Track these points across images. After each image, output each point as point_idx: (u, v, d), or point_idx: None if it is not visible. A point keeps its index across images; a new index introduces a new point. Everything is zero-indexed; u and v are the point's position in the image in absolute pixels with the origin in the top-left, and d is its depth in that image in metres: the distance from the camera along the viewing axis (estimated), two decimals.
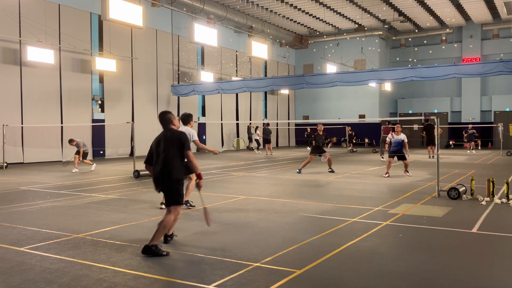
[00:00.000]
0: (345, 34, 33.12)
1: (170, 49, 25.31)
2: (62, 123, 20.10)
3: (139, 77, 23.83)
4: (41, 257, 5.16)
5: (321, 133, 14.37)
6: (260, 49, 21.88)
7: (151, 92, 24.61)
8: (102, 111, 22.10)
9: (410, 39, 33.43)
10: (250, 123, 29.16)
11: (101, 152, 21.56)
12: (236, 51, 29.73)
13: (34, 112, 19.14)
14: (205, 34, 19.52)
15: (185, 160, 5.62)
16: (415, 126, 29.66)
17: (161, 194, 8.52)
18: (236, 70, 29.80)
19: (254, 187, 11.37)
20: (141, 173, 13.28)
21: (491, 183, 8.88)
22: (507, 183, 8.69)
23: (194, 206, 8.28)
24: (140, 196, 9.86)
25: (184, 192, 7.66)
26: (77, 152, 15.57)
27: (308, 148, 28.98)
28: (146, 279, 4.41)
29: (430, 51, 32.62)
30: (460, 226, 6.63)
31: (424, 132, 21.13)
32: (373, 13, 29.53)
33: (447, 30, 32.49)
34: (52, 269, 4.74)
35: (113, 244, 5.70)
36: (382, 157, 19.83)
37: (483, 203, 8.47)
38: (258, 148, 27.14)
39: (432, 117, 13.02)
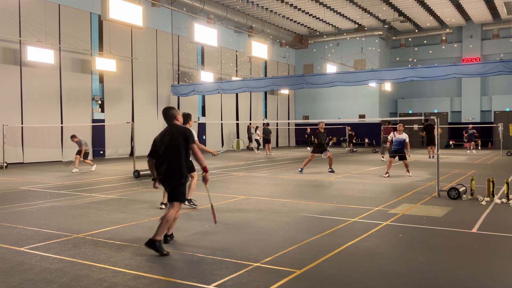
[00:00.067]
0: (345, 34, 33.12)
1: (170, 49, 25.31)
2: (62, 123, 20.10)
3: (139, 77, 23.83)
4: (41, 257, 5.16)
5: (322, 130, 14.35)
6: (260, 49, 21.88)
7: (151, 92, 24.62)
8: (102, 111, 22.10)
9: (410, 39, 33.44)
10: (250, 124, 29.16)
11: (101, 152, 21.56)
12: (236, 51, 29.74)
13: (34, 112, 19.15)
14: (205, 34, 19.52)
15: (190, 155, 5.66)
16: (415, 126, 29.66)
17: (161, 194, 8.60)
18: (236, 70, 29.80)
19: (254, 187, 11.37)
20: (141, 173, 13.28)
21: (491, 183, 8.88)
22: (507, 183, 8.69)
23: (197, 206, 8.28)
24: (140, 196, 9.86)
25: (187, 190, 7.75)
26: (78, 152, 15.59)
27: (309, 148, 29.03)
28: (146, 279, 4.41)
29: (430, 51, 32.63)
30: (460, 226, 6.63)
31: (424, 132, 21.13)
32: (373, 13, 29.53)
33: (447, 30, 32.49)
34: (52, 269, 4.74)
35: (113, 244, 5.70)
36: (383, 157, 19.84)
37: (483, 203, 8.47)
38: (258, 148, 27.14)
39: (432, 117, 13.01)
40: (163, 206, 8.19)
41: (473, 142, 25.43)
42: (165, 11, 24.31)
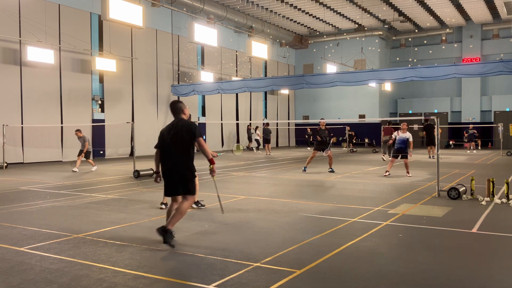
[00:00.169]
0: (345, 34, 33.13)
1: (170, 49, 25.31)
2: (62, 123, 20.10)
3: (139, 77, 23.83)
4: (41, 257, 5.16)
5: (323, 128, 14.33)
6: (260, 49, 21.88)
7: (151, 92, 24.62)
8: (102, 111, 22.10)
9: (410, 39, 33.44)
10: (250, 124, 29.16)
11: (101, 152, 21.57)
12: (236, 51, 29.74)
13: (34, 112, 19.15)
14: (205, 34, 19.52)
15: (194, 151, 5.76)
16: (415, 126, 29.67)
17: (161, 194, 8.59)
18: (236, 70, 29.80)
19: (254, 187, 11.37)
20: (141, 173, 13.29)
21: (491, 183, 8.88)
22: (507, 183, 8.69)
23: (205, 205, 8.30)
24: (140, 196, 9.86)
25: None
26: (80, 153, 15.64)
27: (309, 148, 29.04)
28: (146, 279, 4.41)
29: (430, 51, 32.63)
30: (460, 226, 6.63)
31: (424, 132, 21.12)
32: (373, 13, 29.53)
33: (447, 30, 32.49)
34: (52, 269, 4.74)
35: (113, 244, 5.70)
36: (384, 156, 19.88)
37: (483, 203, 8.47)
38: (258, 148, 27.14)
39: (432, 117, 13.03)
40: (163, 206, 8.19)
41: (473, 142, 25.44)
42: (165, 11, 24.31)
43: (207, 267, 4.79)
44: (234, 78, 28.21)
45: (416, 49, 32.65)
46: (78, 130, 15.90)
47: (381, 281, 4.36)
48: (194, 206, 8.26)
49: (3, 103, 18.15)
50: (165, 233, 5.47)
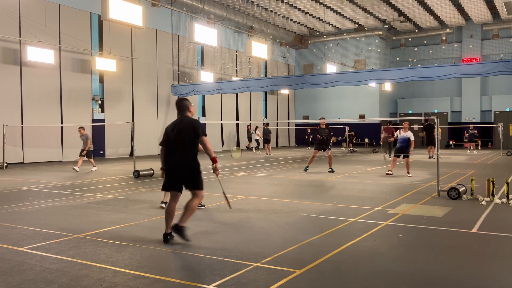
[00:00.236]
0: (345, 34, 33.13)
1: (170, 49, 25.31)
2: (62, 123, 20.09)
3: (139, 77, 23.83)
4: (41, 257, 5.16)
5: (323, 127, 14.33)
6: (260, 49, 21.88)
7: (151, 92, 24.62)
8: (102, 111, 22.10)
9: (410, 39, 33.44)
10: (249, 125, 29.16)
11: (101, 152, 21.56)
12: (236, 51, 29.74)
13: (34, 112, 19.15)
14: (205, 34, 19.52)
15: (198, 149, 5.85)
16: (415, 126, 29.66)
17: (161, 194, 8.60)
18: (236, 70, 29.80)
19: (254, 187, 11.37)
20: (141, 173, 13.29)
21: (491, 183, 8.88)
22: (507, 183, 8.69)
23: (205, 205, 8.32)
24: (140, 196, 9.86)
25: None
26: (82, 152, 15.68)
27: (309, 148, 29.04)
28: (146, 279, 4.41)
29: (430, 51, 32.63)
30: (460, 226, 6.63)
31: (424, 132, 21.11)
32: (373, 13, 29.54)
33: (447, 30, 32.50)
34: (52, 269, 4.74)
35: (113, 244, 5.70)
36: (385, 156, 19.94)
37: (483, 203, 8.47)
38: (258, 148, 27.14)
39: (432, 117, 13.08)
40: (163, 205, 8.19)
41: (473, 143, 25.44)
42: (165, 11, 24.32)
43: (207, 267, 4.79)
44: (234, 78, 28.21)
45: (416, 49, 32.66)
46: (81, 128, 15.98)
47: (381, 281, 4.36)
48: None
49: (3, 103, 18.15)
50: (179, 231, 5.64)
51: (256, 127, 27.48)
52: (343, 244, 5.64)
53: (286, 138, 36.03)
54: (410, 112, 34.40)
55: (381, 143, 21.78)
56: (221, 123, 28.52)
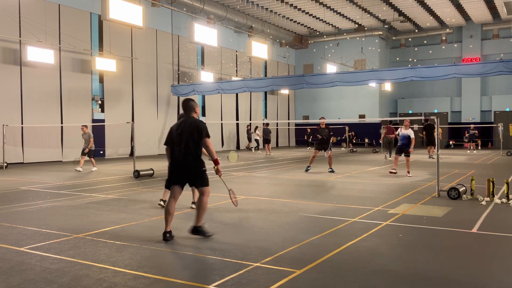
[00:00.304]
0: (345, 34, 33.13)
1: (170, 49, 25.31)
2: (62, 123, 20.10)
3: (139, 77, 23.83)
4: (41, 257, 5.16)
5: (323, 126, 14.33)
6: (260, 49, 21.89)
7: (151, 92, 24.61)
8: (102, 111, 22.10)
9: (410, 39, 33.44)
10: (249, 125, 29.16)
11: (101, 152, 21.56)
12: (236, 51, 29.74)
13: (34, 112, 19.15)
14: (205, 34, 19.52)
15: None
16: (415, 126, 29.65)
17: (161, 194, 8.61)
18: (236, 70, 29.80)
19: (254, 187, 11.37)
20: (141, 173, 13.29)
21: (491, 183, 8.88)
22: (507, 183, 8.69)
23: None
24: (140, 196, 9.86)
25: (193, 192, 7.94)
26: (83, 151, 15.69)
27: (309, 148, 29.05)
28: (146, 279, 4.41)
29: (430, 51, 32.63)
30: (460, 226, 6.63)
31: (424, 132, 21.10)
32: (373, 13, 29.54)
33: (447, 30, 32.50)
34: (52, 269, 4.74)
35: (113, 244, 5.70)
36: (387, 156, 19.97)
37: (483, 203, 8.47)
38: (257, 148, 27.14)
39: (432, 117, 13.12)
40: (162, 203, 8.27)
41: (473, 143, 25.43)
42: (165, 11, 24.31)
43: (207, 267, 4.79)
44: (234, 78, 28.21)
45: (416, 49, 32.66)
46: (84, 126, 16.05)
47: (381, 281, 4.36)
48: (194, 206, 8.27)
49: (3, 103, 18.15)
50: (198, 231, 5.89)
51: (256, 127, 27.47)
52: (343, 244, 5.64)
53: (286, 138, 36.03)
54: (410, 112, 34.40)
55: (381, 141, 21.78)
56: (221, 123, 28.53)
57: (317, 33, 34.36)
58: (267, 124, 25.36)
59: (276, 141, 34.33)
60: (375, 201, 8.84)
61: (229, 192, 6.56)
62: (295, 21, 31.26)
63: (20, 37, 18.44)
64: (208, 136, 5.87)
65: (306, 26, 32.55)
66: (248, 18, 28.07)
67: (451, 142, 31.08)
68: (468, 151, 25.44)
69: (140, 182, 12.35)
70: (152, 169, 13.87)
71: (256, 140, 26.94)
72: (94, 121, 21.41)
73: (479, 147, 27.81)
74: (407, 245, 5.69)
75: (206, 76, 26.33)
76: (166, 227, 5.86)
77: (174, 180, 5.91)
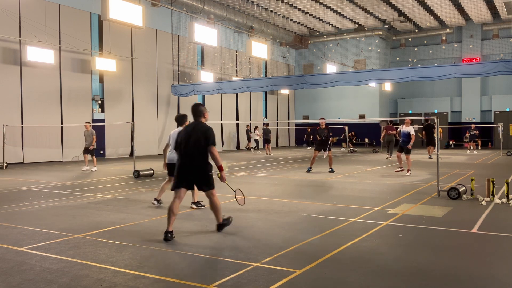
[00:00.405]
0: (345, 34, 33.13)
1: (170, 49, 25.31)
2: (62, 123, 20.10)
3: (139, 77, 23.83)
4: (41, 257, 5.16)
5: (323, 127, 14.34)
6: (260, 49, 21.88)
7: (151, 92, 24.61)
8: (102, 111, 22.10)
9: (410, 39, 33.44)
10: (248, 125, 29.15)
11: (101, 152, 21.56)
12: (236, 51, 29.74)
13: (34, 112, 19.15)
14: (205, 34, 19.52)
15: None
16: (415, 127, 29.63)
17: (156, 193, 8.62)
18: (236, 70, 29.80)
19: (254, 187, 11.37)
20: (141, 173, 13.29)
21: (491, 183, 8.88)
22: (507, 183, 8.69)
23: (205, 205, 8.34)
24: (140, 196, 9.86)
25: (194, 193, 8.16)
26: (86, 151, 15.71)
27: (309, 149, 29.05)
28: (146, 279, 4.41)
29: (430, 51, 32.63)
30: (460, 226, 6.63)
31: (423, 132, 21.07)
32: (373, 13, 29.53)
33: (447, 30, 32.49)
34: (52, 269, 4.74)
35: (113, 244, 5.70)
36: (388, 155, 19.98)
37: (483, 203, 8.47)
38: (256, 148, 27.13)
39: (432, 117, 13.17)
40: (155, 202, 8.48)
41: (473, 143, 25.42)
42: (165, 11, 24.31)
43: (207, 267, 4.80)
44: (234, 78, 28.20)
45: (416, 49, 32.65)
46: (87, 123, 16.11)
47: (381, 281, 4.36)
48: (194, 206, 8.29)
49: (3, 103, 18.15)
50: (223, 226, 6.32)
51: (256, 127, 27.46)
52: (343, 244, 5.64)
53: (286, 138, 36.03)
54: (410, 112, 34.40)
55: (381, 140, 21.77)
56: (221, 123, 28.53)
57: (317, 33, 34.36)
58: (267, 124, 25.36)
59: (276, 141, 34.33)
60: (375, 201, 8.84)
61: (235, 192, 6.82)
62: (295, 21, 31.25)
63: (20, 37, 18.44)
64: (214, 144, 6.03)
65: (306, 26, 32.54)
66: (248, 18, 28.07)
67: (451, 142, 31.07)
68: (468, 151, 25.44)
69: (140, 182, 12.35)
70: (152, 169, 13.87)
71: (256, 140, 26.92)
72: (94, 121, 21.39)
73: (479, 147, 27.80)
74: (407, 245, 5.69)
75: (206, 76, 26.33)
76: (168, 226, 5.88)
77: (181, 184, 6.04)
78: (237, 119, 30.26)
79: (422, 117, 14.74)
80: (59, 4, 19.87)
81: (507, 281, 4.37)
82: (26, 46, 18.24)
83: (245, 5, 26.65)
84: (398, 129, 14.47)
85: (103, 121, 21.77)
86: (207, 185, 6.08)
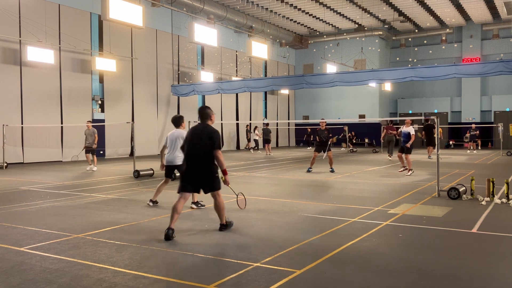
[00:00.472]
0: (345, 34, 33.12)
1: (170, 49, 25.31)
2: (62, 123, 20.10)
3: (139, 77, 23.83)
4: (41, 257, 5.16)
5: (323, 128, 14.35)
6: (260, 49, 21.88)
7: (151, 92, 24.61)
8: (102, 111, 22.10)
9: (410, 39, 33.44)
10: (248, 125, 29.15)
11: (101, 152, 21.56)
12: (236, 51, 29.74)
13: (34, 112, 19.15)
14: (205, 34, 19.52)
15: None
16: (416, 127, 29.61)
17: (162, 194, 8.62)
18: (236, 70, 29.80)
19: (254, 187, 11.37)
20: (141, 173, 13.29)
21: (491, 183, 8.88)
22: (507, 183, 8.69)
23: (204, 205, 8.35)
24: (140, 196, 9.86)
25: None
26: (87, 151, 15.72)
27: (309, 148, 29.05)
28: (146, 279, 4.41)
29: (430, 51, 32.63)
30: (460, 226, 6.63)
31: (423, 133, 21.06)
32: (373, 13, 29.53)
33: (447, 30, 32.49)
34: (52, 269, 4.74)
35: (113, 244, 5.70)
36: (388, 155, 19.99)
37: (483, 203, 8.47)
38: (256, 148, 27.13)
39: (432, 117, 13.20)
40: (151, 203, 8.48)
41: (474, 143, 25.42)
42: (165, 11, 24.31)
43: (207, 267, 4.79)
44: (234, 78, 28.20)
45: (416, 49, 32.65)
46: (89, 121, 16.16)
47: (381, 281, 4.36)
48: (194, 206, 8.29)
49: (3, 103, 18.15)
50: (226, 226, 6.37)
51: (255, 127, 27.45)
52: (343, 244, 5.64)
53: (286, 138, 36.03)
54: (410, 112, 34.40)
55: (382, 140, 21.77)
56: (221, 123, 28.53)
57: (317, 33, 34.35)
58: (267, 124, 25.36)
59: (276, 141, 34.33)
60: (375, 201, 8.84)
61: (237, 196, 6.88)
62: (295, 21, 31.25)
63: (20, 37, 18.44)
64: (220, 148, 6.08)
65: (306, 26, 32.54)
66: (248, 18, 28.07)
67: (451, 142, 31.07)
68: (468, 151, 25.44)
69: (140, 182, 12.35)
70: (152, 169, 13.87)
71: (255, 140, 26.91)
72: (94, 121, 21.37)
73: (479, 147, 27.80)
74: (407, 245, 5.69)
75: (206, 76, 26.33)
76: (171, 223, 5.96)
77: (186, 188, 6.14)
78: (237, 119, 30.27)
79: (422, 117, 14.79)
80: (59, 4, 19.88)
81: (507, 281, 4.37)
82: (26, 46, 18.24)
83: (245, 5, 26.65)
84: (399, 130, 14.46)
85: (103, 121, 21.77)
86: (213, 187, 6.16)
